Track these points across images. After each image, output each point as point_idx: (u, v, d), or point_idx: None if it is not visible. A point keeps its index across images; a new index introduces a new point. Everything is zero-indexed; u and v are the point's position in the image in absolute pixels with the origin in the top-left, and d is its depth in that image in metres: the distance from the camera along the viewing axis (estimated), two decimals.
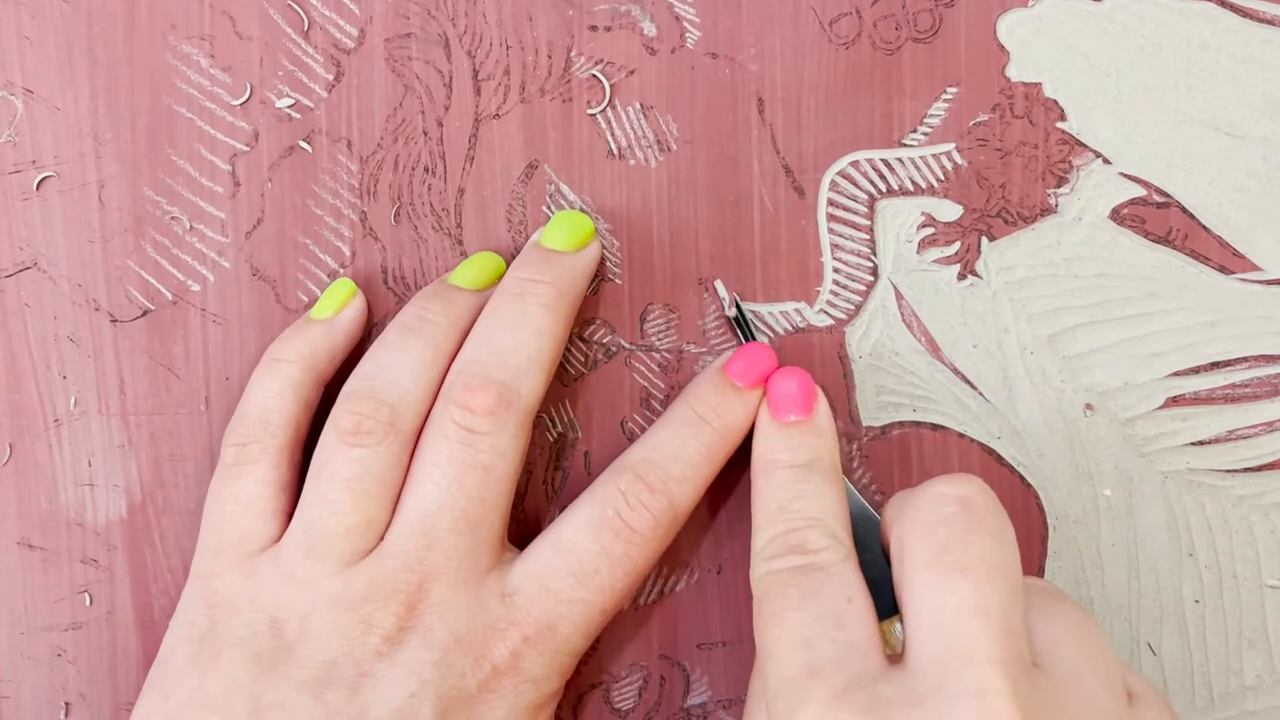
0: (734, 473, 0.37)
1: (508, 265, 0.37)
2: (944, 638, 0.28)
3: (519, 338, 0.35)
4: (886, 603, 0.31)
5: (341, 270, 0.38)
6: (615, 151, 0.38)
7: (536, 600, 0.34)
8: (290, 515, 0.35)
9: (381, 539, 0.34)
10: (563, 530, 0.35)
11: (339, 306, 0.37)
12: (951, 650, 0.28)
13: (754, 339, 0.37)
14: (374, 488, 0.34)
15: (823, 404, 0.35)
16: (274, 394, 0.36)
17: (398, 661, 0.33)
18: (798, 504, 0.33)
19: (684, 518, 0.35)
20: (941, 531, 0.29)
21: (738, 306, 0.37)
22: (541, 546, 0.35)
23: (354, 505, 0.34)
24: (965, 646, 0.28)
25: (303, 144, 0.38)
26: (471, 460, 0.34)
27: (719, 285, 0.37)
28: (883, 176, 0.38)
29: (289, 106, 0.38)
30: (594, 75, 0.38)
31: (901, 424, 0.38)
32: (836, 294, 0.38)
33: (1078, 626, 0.30)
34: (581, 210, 0.38)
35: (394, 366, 0.35)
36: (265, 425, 0.36)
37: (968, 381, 0.38)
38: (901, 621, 0.30)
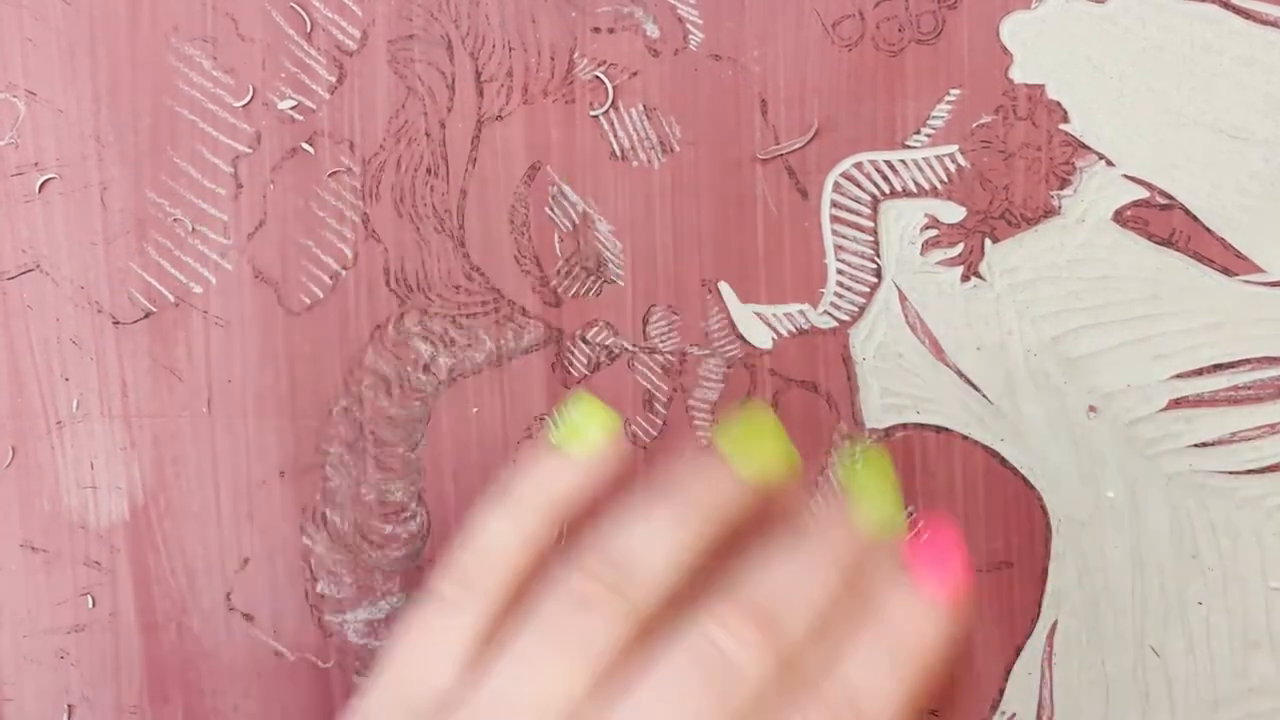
0: None
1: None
2: None
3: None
4: None
5: (343, 271, 0.38)
6: (618, 153, 0.38)
7: None
8: (479, 671, 0.30)
9: None
10: None
11: (598, 449, 0.32)
12: None
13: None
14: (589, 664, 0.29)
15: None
16: (509, 534, 0.32)
17: None
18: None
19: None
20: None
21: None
22: None
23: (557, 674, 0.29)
24: None
25: (305, 145, 0.38)
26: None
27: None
28: (886, 178, 0.38)
29: (291, 108, 0.38)
30: (597, 77, 0.38)
31: (905, 426, 0.38)
32: (840, 296, 0.38)
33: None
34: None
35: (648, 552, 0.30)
36: (490, 572, 0.31)
37: (971, 384, 0.38)
38: None
